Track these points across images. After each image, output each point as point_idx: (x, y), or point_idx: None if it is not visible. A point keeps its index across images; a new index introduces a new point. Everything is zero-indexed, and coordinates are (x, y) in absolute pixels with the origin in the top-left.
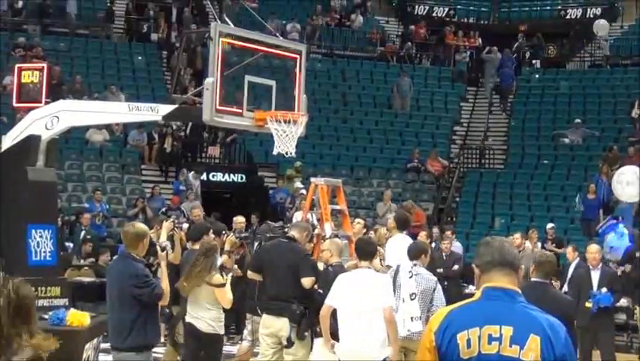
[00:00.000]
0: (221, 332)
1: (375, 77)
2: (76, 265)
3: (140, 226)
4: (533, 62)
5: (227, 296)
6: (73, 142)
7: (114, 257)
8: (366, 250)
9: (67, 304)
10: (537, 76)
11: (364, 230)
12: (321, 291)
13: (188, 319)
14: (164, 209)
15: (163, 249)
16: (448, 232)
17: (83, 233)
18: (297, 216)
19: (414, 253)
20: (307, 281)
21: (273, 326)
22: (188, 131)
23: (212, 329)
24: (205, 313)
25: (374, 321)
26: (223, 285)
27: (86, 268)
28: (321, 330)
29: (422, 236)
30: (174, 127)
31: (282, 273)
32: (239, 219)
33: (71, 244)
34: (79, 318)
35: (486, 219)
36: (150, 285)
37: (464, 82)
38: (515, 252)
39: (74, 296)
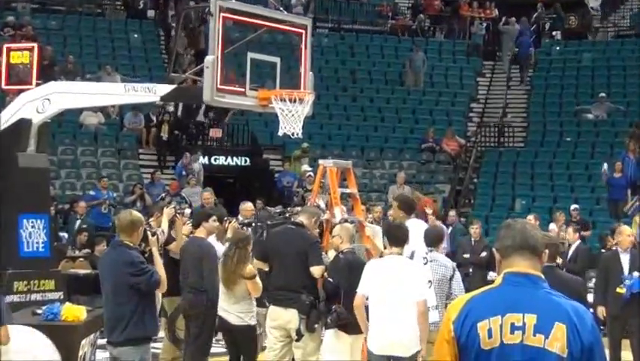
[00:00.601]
0: (253, 322)
1: (385, 52)
2: (71, 256)
3: (136, 213)
4: (553, 33)
5: (258, 286)
6: (67, 126)
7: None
8: (398, 236)
9: (61, 298)
10: (558, 48)
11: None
12: (331, 280)
13: (219, 312)
14: (163, 194)
15: (153, 234)
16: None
17: (78, 222)
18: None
19: (431, 239)
20: (317, 270)
21: (281, 317)
22: (180, 112)
23: (242, 321)
24: (235, 307)
25: (407, 313)
26: (254, 276)
27: (82, 259)
28: (358, 321)
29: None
30: (172, 109)
31: (291, 261)
32: (247, 206)
33: (66, 234)
34: (74, 313)
35: (506, 201)
36: (147, 272)
37: (480, 56)
38: (538, 235)
39: (69, 289)
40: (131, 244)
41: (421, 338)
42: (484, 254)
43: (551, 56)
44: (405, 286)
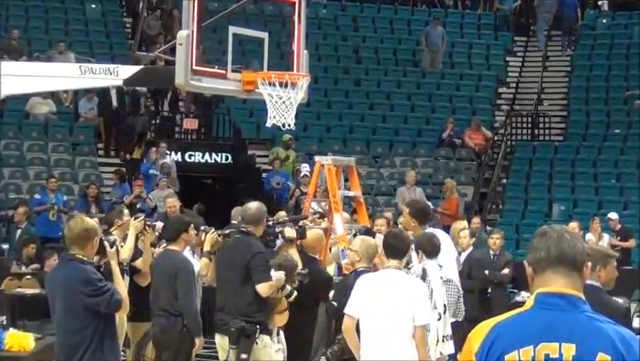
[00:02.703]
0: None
1: (396, 25)
2: (16, 272)
3: (89, 221)
4: (599, 2)
5: (286, 317)
6: (10, 116)
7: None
8: (396, 247)
9: (4, 323)
10: (605, 21)
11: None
12: (334, 303)
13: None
14: (125, 197)
15: (112, 244)
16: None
17: (19, 232)
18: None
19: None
20: (263, 288)
21: (220, 347)
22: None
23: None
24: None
25: (403, 340)
26: (285, 310)
27: (29, 276)
28: (350, 347)
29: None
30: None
31: (229, 277)
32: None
33: (7, 246)
34: (20, 341)
35: (541, 206)
36: (106, 291)
37: (511, 30)
38: (579, 245)
39: (14, 313)
40: (85, 258)
41: None
42: (506, 271)
43: (596, 30)
44: (402, 306)
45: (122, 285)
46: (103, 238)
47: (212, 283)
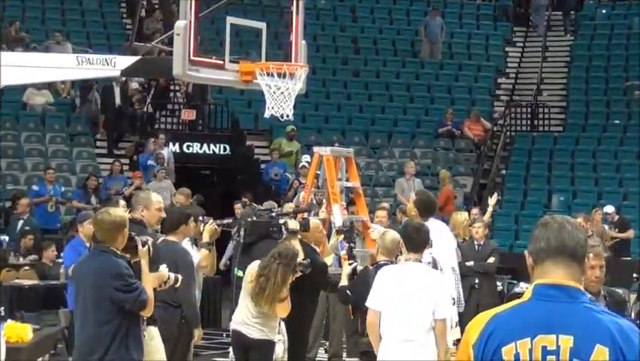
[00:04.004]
0: (274, 338)
1: (395, 16)
2: (14, 264)
3: (118, 212)
4: None
5: (287, 308)
6: (7, 107)
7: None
8: (417, 240)
9: (2, 314)
10: (604, 11)
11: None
12: (349, 292)
13: (236, 326)
14: (125, 188)
15: (144, 244)
16: (474, 211)
17: (20, 223)
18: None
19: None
20: None
21: None
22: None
23: (263, 334)
24: (258, 320)
25: (424, 333)
26: (285, 298)
27: (27, 268)
28: (370, 341)
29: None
30: (137, 85)
31: None
32: None
33: (6, 238)
34: (18, 332)
35: (541, 197)
36: (135, 289)
37: (510, 20)
38: (580, 236)
39: (12, 304)
40: (118, 251)
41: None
42: (491, 260)
43: (596, 20)
44: (422, 299)
45: (149, 285)
46: (136, 237)
47: (210, 272)
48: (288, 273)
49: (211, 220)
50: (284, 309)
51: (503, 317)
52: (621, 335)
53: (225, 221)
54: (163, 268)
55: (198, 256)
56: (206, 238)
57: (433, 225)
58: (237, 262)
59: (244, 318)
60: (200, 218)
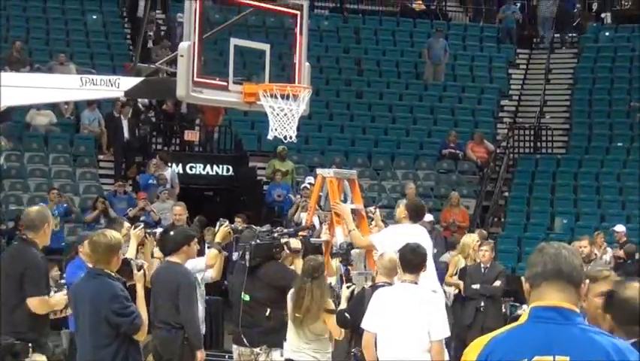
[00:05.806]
0: None
1: (398, 37)
2: None
3: (113, 234)
4: (602, 15)
5: (338, 327)
6: (11, 127)
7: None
8: (413, 261)
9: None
10: (607, 34)
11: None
12: (347, 314)
13: (288, 354)
14: (129, 210)
15: (140, 268)
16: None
17: None
18: (303, 218)
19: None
20: (33, 302)
21: None
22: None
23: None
24: (310, 345)
25: (420, 352)
26: (334, 311)
27: None
28: None
29: None
30: (140, 106)
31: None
32: None
33: None
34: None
35: (543, 219)
36: (131, 313)
37: (514, 42)
38: (576, 262)
39: None
40: (113, 274)
41: None
42: (498, 283)
43: (599, 42)
44: (418, 321)
45: (144, 309)
46: (131, 261)
47: (217, 277)
48: (322, 282)
49: (226, 222)
50: (334, 327)
51: (501, 339)
52: (618, 354)
53: (240, 227)
54: (60, 295)
55: (202, 275)
56: (218, 238)
57: (414, 229)
58: (244, 286)
59: (293, 345)
60: (219, 220)
